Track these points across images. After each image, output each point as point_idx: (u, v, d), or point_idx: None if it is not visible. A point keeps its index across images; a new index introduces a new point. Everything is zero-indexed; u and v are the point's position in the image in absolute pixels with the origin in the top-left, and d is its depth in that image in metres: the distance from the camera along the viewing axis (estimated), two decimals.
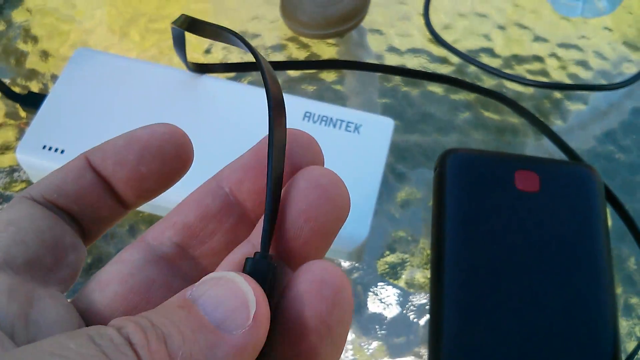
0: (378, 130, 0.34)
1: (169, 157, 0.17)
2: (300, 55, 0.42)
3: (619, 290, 0.33)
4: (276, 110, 0.16)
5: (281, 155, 0.16)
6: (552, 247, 0.31)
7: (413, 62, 0.42)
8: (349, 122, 0.34)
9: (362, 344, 0.32)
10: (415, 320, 0.32)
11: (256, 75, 0.40)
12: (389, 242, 0.35)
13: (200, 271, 0.17)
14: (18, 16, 0.43)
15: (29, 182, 0.36)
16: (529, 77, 0.41)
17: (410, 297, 0.33)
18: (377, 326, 0.32)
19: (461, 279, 0.30)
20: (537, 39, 0.43)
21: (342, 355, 0.30)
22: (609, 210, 0.35)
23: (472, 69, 0.41)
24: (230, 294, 0.13)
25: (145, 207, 0.33)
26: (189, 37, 0.42)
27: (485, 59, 0.42)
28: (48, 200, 0.16)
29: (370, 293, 0.33)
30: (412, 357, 0.32)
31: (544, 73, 0.41)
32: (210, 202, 0.17)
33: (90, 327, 0.12)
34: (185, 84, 0.35)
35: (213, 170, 0.18)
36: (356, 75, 0.41)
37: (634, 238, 0.34)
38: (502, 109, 0.39)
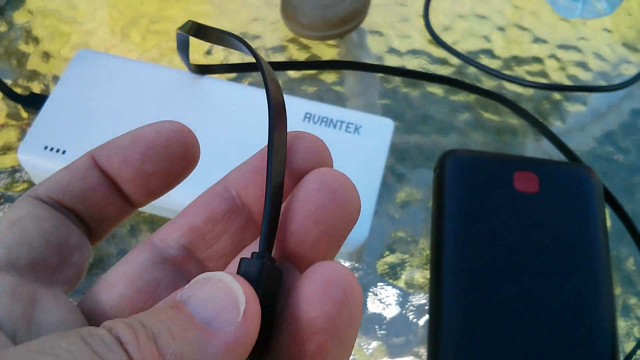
0: (378, 131, 0.34)
1: (174, 155, 0.17)
2: (301, 56, 0.42)
3: (617, 290, 0.33)
4: (277, 114, 0.16)
5: (282, 157, 0.16)
6: (550, 248, 0.31)
7: (413, 64, 0.42)
8: (349, 123, 0.34)
9: (362, 343, 0.32)
10: (414, 320, 0.33)
11: (257, 75, 0.40)
12: (389, 242, 0.35)
13: None
14: (19, 17, 0.43)
15: (30, 183, 0.36)
16: (529, 78, 0.41)
17: (410, 297, 0.33)
18: (376, 326, 0.32)
19: (460, 280, 0.30)
20: (537, 40, 0.43)
21: None
22: (607, 211, 0.35)
23: (471, 70, 0.41)
24: (219, 292, 0.14)
25: (147, 208, 0.33)
26: (191, 39, 0.42)
27: (485, 60, 0.42)
28: (54, 199, 0.16)
29: (370, 293, 0.33)
30: (412, 357, 0.32)
31: (544, 74, 0.42)
32: (217, 205, 0.17)
33: (82, 327, 0.13)
34: (187, 85, 0.35)
35: (215, 171, 0.18)
36: (356, 76, 0.41)
37: (632, 239, 0.34)
38: (501, 110, 0.40)
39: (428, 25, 0.43)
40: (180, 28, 0.22)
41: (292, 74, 0.41)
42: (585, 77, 0.42)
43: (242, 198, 0.17)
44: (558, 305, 0.29)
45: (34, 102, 0.37)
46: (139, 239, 0.34)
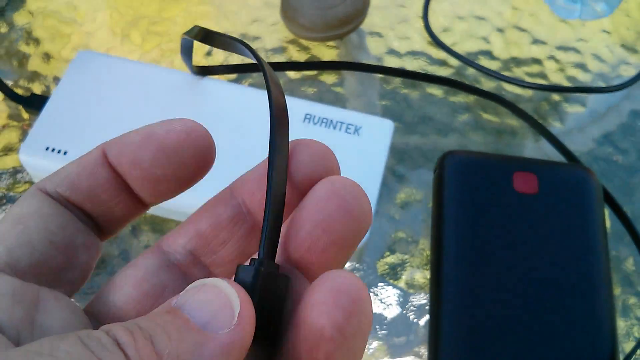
0: (378, 132, 0.34)
1: (186, 159, 0.16)
2: (301, 57, 0.42)
3: (617, 291, 0.34)
4: (278, 121, 0.16)
5: (283, 163, 0.16)
6: (550, 248, 0.31)
7: (412, 65, 0.42)
8: (349, 124, 0.34)
9: None
10: (415, 320, 0.33)
11: (257, 76, 0.40)
12: (389, 243, 0.35)
13: None
14: (20, 18, 0.43)
15: (32, 183, 0.36)
16: (528, 79, 0.41)
17: (410, 297, 0.33)
18: (377, 326, 0.33)
19: (460, 280, 0.30)
20: (536, 41, 0.43)
21: None
22: (607, 212, 0.35)
23: (471, 71, 0.41)
24: (214, 297, 0.14)
25: (151, 209, 0.33)
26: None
27: (484, 62, 0.42)
28: (61, 195, 0.16)
29: (370, 293, 0.33)
30: (412, 357, 0.32)
31: (543, 75, 0.42)
32: (222, 211, 0.17)
33: (80, 330, 0.13)
34: (187, 86, 0.35)
35: (218, 173, 0.18)
36: (356, 77, 0.41)
37: (632, 239, 0.35)
38: (500, 112, 0.40)
39: (427, 26, 0.43)
40: (187, 33, 0.22)
41: (292, 75, 0.41)
42: (584, 78, 0.42)
43: (248, 205, 0.17)
44: (558, 306, 0.29)
45: (35, 103, 0.37)
46: (140, 239, 0.35)
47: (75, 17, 0.43)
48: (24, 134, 0.38)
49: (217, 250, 0.17)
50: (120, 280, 0.16)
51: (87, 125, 0.33)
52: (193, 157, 0.16)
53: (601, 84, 0.42)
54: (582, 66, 0.42)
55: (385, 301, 0.33)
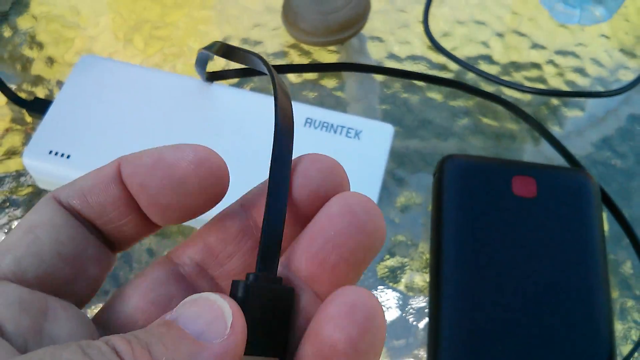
0: (378, 136, 0.34)
1: (193, 190, 0.16)
2: (302, 62, 0.42)
3: (615, 294, 0.34)
4: (282, 132, 0.16)
5: (284, 175, 0.16)
6: (549, 252, 0.31)
7: (412, 69, 0.42)
8: (349, 128, 0.34)
9: None
10: (414, 323, 0.33)
11: (258, 80, 0.41)
12: (389, 246, 0.35)
13: (218, 291, 0.17)
14: (23, 23, 0.43)
15: (35, 187, 0.36)
16: (527, 84, 0.42)
17: (410, 300, 0.34)
18: None
19: (460, 283, 0.30)
20: (535, 46, 0.44)
21: None
22: (605, 215, 0.35)
23: (470, 75, 0.42)
24: (207, 309, 0.14)
25: None
26: (194, 43, 0.43)
27: (484, 66, 0.42)
28: (74, 208, 0.16)
29: None
30: None
31: (542, 80, 0.42)
32: (230, 225, 0.17)
33: (82, 340, 0.13)
34: (190, 90, 0.35)
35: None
36: (356, 81, 0.41)
37: (630, 243, 0.35)
38: (500, 116, 0.40)
39: (427, 31, 0.44)
40: (207, 48, 0.22)
41: (293, 79, 0.41)
42: (583, 82, 0.42)
43: (256, 219, 0.17)
44: (556, 309, 0.30)
45: (39, 107, 0.37)
46: (142, 242, 0.35)
47: (79, 22, 0.43)
48: (27, 138, 0.38)
49: (223, 263, 0.17)
50: (129, 290, 0.17)
51: (90, 129, 0.34)
52: (202, 189, 0.16)
53: (600, 89, 0.42)
54: (581, 71, 0.43)
55: (385, 304, 0.33)
